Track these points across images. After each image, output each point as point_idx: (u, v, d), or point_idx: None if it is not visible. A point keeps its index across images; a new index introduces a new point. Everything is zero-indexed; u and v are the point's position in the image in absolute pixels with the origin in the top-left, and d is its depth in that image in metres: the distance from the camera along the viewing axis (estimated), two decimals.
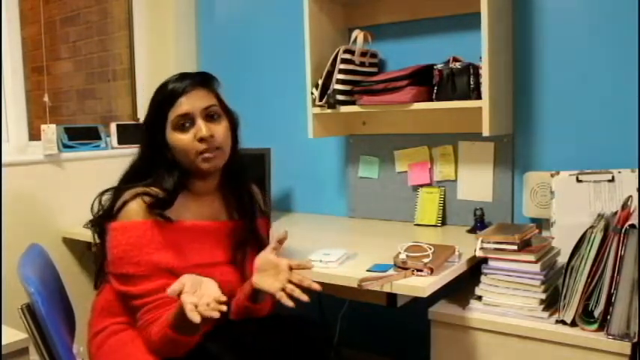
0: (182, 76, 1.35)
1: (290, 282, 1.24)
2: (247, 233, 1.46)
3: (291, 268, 1.26)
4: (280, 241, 1.31)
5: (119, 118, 2.73)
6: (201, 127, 1.31)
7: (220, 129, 1.35)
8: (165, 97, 1.32)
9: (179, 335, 1.19)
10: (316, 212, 2.48)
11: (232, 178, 1.45)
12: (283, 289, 1.23)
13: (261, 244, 1.47)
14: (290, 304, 1.22)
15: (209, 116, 1.34)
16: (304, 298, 1.22)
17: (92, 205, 1.38)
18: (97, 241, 1.37)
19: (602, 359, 1.37)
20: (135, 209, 1.28)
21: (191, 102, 1.32)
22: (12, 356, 1.45)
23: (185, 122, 1.32)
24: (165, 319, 1.21)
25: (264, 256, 1.31)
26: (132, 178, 1.38)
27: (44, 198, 2.26)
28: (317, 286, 1.24)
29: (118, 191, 1.35)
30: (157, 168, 1.35)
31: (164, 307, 1.25)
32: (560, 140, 1.91)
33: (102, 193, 1.38)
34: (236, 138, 1.43)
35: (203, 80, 1.37)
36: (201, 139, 1.31)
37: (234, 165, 1.43)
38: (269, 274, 1.28)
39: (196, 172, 1.36)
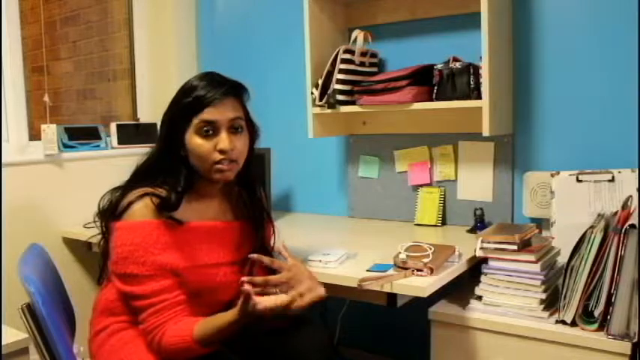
0: (213, 82, 1.32)
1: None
2: (255, 235, 1.46)
3: None
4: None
5: (119, 118, 2.73)
6: (224, 139, 1.30)
7: (240, 143, 1.34)
8: (193, 101, 1.29)
9: (202, 348, 1.22)
10: (316, 212, 2.48)
11: (241, 183, 1.45)
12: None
13: (265, 247, 1.48)
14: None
15: (233, 128, 1.32)
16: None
17: (101, 200, 1.37)
18: (101, 236, 1.37)
19: (602, 359, 1.37)
20: (141, 209, 1.27)
21: (219, 112, 1.30)
22: (12, 356, 1.45)
23: (209, 129, 1.30)
24: (185, 332, 1.23)
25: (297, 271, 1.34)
26: (143, 174, 1.36)
27: (44, 198, 2.26)
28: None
29: (125, 190, 1.33)
30: (169, 166, 1.33)
31: (170, 310, 1.25)
32: (560, 140, 1.91)
33: (112, 190, 1.37)
34: (252, 149, 1.42)
35: (235, 91, 1.35)
36: (221, 151, 1.30)
37: (245, 172, 1.41)
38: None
39: (206, 177, 1.36)
